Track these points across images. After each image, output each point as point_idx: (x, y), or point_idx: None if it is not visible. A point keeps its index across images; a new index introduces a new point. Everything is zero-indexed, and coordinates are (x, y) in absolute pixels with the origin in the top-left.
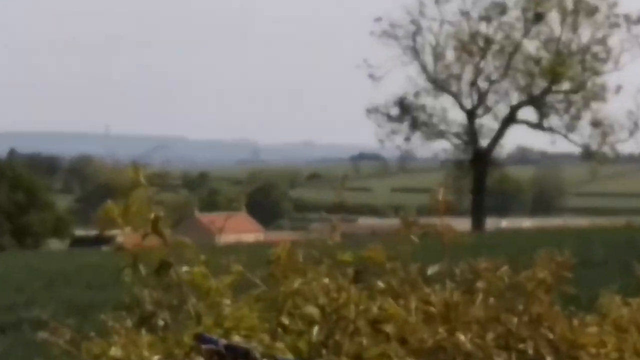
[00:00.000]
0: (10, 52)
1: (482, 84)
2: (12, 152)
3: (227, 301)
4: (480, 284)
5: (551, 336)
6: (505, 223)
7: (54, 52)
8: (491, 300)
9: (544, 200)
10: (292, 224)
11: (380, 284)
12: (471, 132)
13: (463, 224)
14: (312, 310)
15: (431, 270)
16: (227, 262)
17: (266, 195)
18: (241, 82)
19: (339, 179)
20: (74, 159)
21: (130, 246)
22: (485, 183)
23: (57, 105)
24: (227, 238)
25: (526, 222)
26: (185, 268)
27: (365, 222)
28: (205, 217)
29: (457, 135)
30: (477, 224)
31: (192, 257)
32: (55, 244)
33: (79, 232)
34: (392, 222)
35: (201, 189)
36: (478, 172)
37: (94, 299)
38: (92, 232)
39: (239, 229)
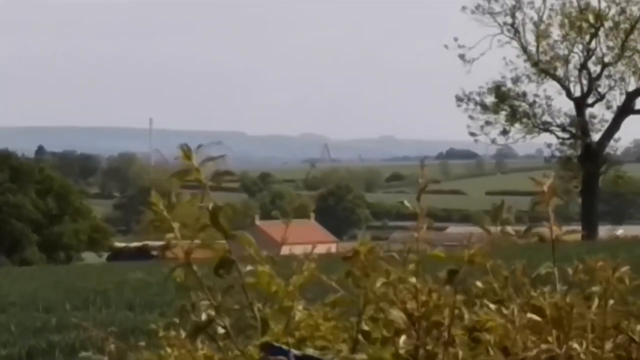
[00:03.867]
0: (38, 34)
1: (593, 67)
2: (40, 150)
3: (299, 306)
4: (596, 287)
5: None
6: (621, 231)
7: (89, 34)
8: (610, 304)
9: None
10: (369, 233)
11: (479, 285)
12: (580, 124)
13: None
14: (398, 315)
15: (539, 270)
16: (298, 264)
17: (339, 200)
18: (307, 69)
19: (425, 180)
20: (112, 157)
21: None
22: (598, 184)
23: (93, 97)
24: (293, 250)
25: None
26: (249, 267)
27: (457, 230)
28: (268, 226)
29: (563, 127)
30: (589, 231)
31: (254, 256)
32: (90, 258)
33: (119, 243)
34: (488, 231)
35: (262, 193)
36: (589, 171)
37: (136, 321)
38: (134, 243)
39: (308, 239)
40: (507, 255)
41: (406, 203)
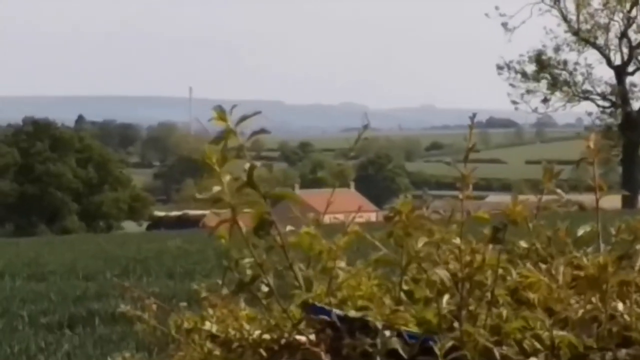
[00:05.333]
0: (79, 4)
1: (634, 35)
2: (80, 120)
3: (343, 264)
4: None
5: None
6: None
7: (130, 3)
8: None
9: None
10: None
11: (523, 244)
12: (621, 93)
13: (612, 202)
14: (441, 275)
15: (582, 229)
16: (342, 226)
17: (379, 169)
18: (347, 38)
19: (465, 149)
20: (152, 126)
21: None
22: (638, 153)
23: (133, 66)
24: (333, 219)
25: None
26: (289, 227)
27: (496, 199)
28: (308, 195)
29: (604, 96)
30: (629, 200)
31: (298, 215)
32: (130, 227)
33: (159, 212)
34: (527, 199)
35: (302, 162)
36: (629, 140)
37: (176, 289)
38: (174, 212)
39: (348, 208)
40: (547, 224)
41: (451, 164)
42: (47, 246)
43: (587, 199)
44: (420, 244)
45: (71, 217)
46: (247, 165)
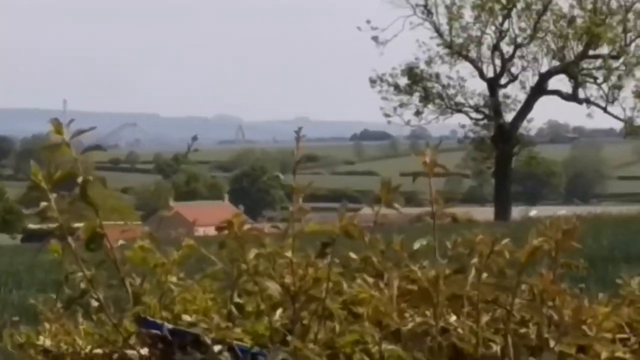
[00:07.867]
0: None
1: (507, 48)
2: None
3: (174, 279)
4: (474, 260)
5: (556, 318)
6: (535, 212)
7: (2, 20)
8: (484, 277)
9: (580, 185)
10: (284, 214)
11: (354, 256)
12: (494, 105)
13: (485, 213)
14: (274, 288)
15: (418, 244)
16: (177, 237)
17: (253, 181)
18: (221, 52)
19: (339, 161)
20: (26, 139)
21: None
22: (511, 165)
23: (6, 78)
24: (207, 231)
25: (560, 211)
26: (121, 242)
27: (370, 211)
28: (182, 207)
29: (476, 108)
30: (502, 213)
31: (131, 224)
32: (3, 239)
33: (33, 225)
34: (403, 212)
35: (177, 174)
36: (502, 152)
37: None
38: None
39: (221, 221)
40: (418, 235)
41: (281, 177)
42: None
43: (460, 211)
44: (251, 256)
45: None
46: (80, 179)
